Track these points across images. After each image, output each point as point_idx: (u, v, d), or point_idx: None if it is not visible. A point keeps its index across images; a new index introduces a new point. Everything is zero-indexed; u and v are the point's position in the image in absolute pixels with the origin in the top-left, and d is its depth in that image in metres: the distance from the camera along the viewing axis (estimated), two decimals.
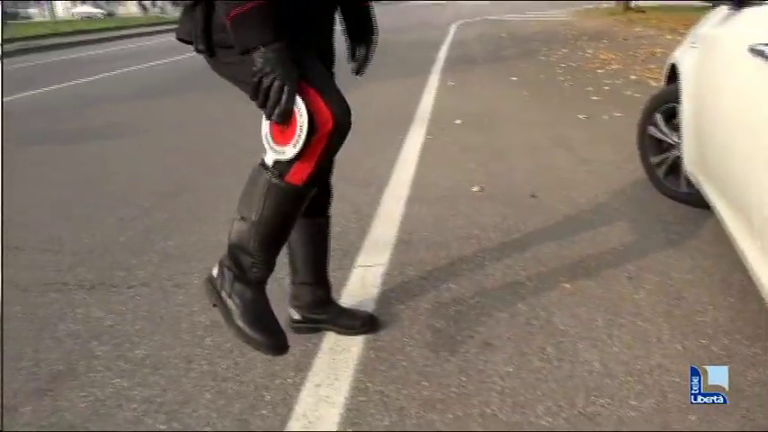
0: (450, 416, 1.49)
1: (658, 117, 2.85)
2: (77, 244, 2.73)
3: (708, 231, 2.45)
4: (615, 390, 1.55)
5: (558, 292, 2.06)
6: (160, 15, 31.11)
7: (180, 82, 8.00)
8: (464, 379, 1.62)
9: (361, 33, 1.69)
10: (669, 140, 2.80)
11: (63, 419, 1.56)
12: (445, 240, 2.52)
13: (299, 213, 1.49)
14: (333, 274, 1.92)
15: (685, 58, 2.55)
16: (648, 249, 2.33)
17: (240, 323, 1.45)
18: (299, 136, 1.33)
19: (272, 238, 1.46)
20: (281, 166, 1.39)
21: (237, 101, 1.78)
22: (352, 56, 1.71)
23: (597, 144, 3.87)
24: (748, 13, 1.99)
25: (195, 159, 4.13)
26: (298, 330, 1.86)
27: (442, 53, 9.58)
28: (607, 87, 5.87)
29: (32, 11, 45.48)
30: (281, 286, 2.05)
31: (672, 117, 2.77)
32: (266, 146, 1.40)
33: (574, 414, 1.47)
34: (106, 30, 22.64)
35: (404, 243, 2.51)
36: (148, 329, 1.96)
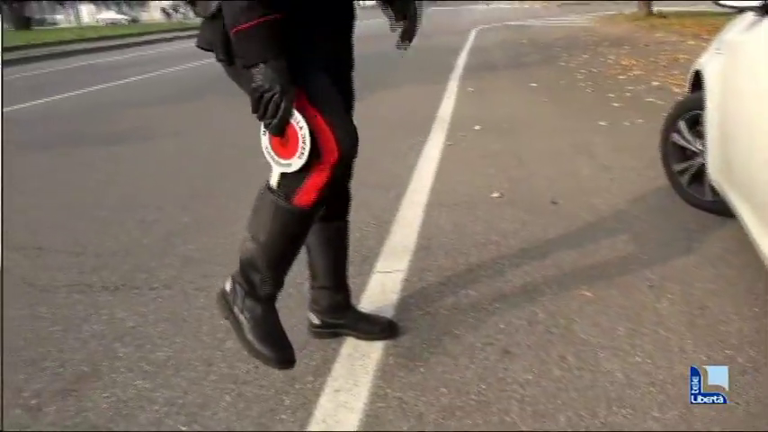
0: (470, 423, 1.49)
1: (682, 124, 2.82)
2: (100, 246, 2.77)
3: (732, 240, 2.41)
4: (637, 400, 1.53)
5: (579, 300, 2.04)
6: (183, 21, 31.55)
7: (201, 87, 8.10)
8: (483, 386, 1.62)
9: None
10: (693, 148, 2.77)
11: (86, 420, 1.58)
12: (464, 246, 2.51)
13: (307, 232, 1.53)
14: (352, 280, 1.93)
15: (710, 64, 2.52)
16: (671, 258, 2.30)
17: (250, 337, 1.51)
18: (303, 147, 1.36)
19: (280, 257, 1.51)
20: (288, 189, 1.43)
21: None
22: (396, 26, 1.71)
23: (619, 151, 3.84)
24: None
25: (216, 164, 4.18)
26: (317, 335, 1.87)
27: (462, 59, 9.58)
28: (629, 94, 5.82)
29: (59, 17, 46.39)
30: (300, 291, 2.06)
31: (696, 124, 2.73)
32: (270, 160, 1.43)
33: (595, 424, 1.46)
34: (130, 35, 23.02)
35: (423, 249, 2.51)
36: (170, 332, 1.99)
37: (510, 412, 1.51)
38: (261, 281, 1.52)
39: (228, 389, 1.67)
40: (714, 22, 10.40)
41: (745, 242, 2.02)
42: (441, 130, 4.76)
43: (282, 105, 1.32)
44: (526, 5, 34.93)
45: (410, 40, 1.76)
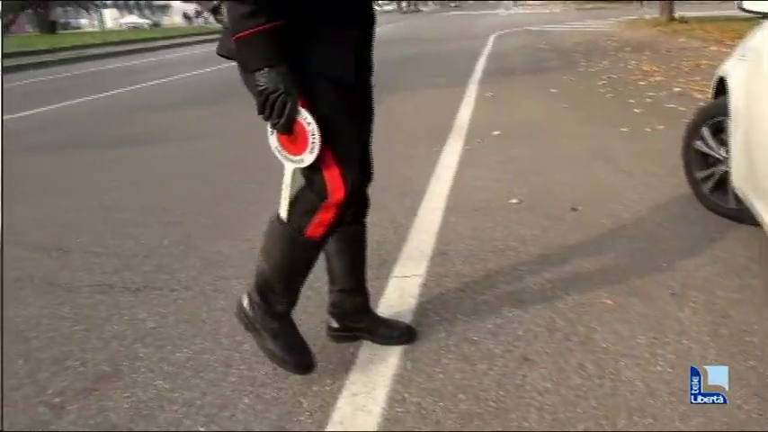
0: (488, 430, 1.48)
1: (705, 131, 2.78)
2: (122, 247, 2.81)
3: (756, 249, 2.37)
4: (659, 410, 1.51)
5: (599, 307, 2.02)
6: (204, 26, 31.91)
7: (222, 90, 8.17)
8: (502, 393, 1.61)
9: None
10: (716, 155, 2.73)
11: (107, 419, 1.60)
12: (483, 252, 2.50)
13: (318, 255, 1.62)
14: (370, 284, 1.93)
15: (734, 71, 2.48)
16: (693, 266, 2.27)
17: (271, 347, 1.64)
18: (313, 142, 1.42)
19: (292, 281, 1.63)
20: (298, 223, 1.52)
21: None
22: None
23: (640, 157, 3.80)
24: None
25: (236, 167, 4.21)
26: (335, 339, 1.87)
27: (481, 64, 9.56)
28: (650, 100, 5.76)
29: (83, 21, 47.20)
30: (318, 294, 2.07)
31: (719, 131, 2.70)
32: (281, 158, 1.49)
33: None
34: (152, 39, 23.34)
35: (441, 254, 2.50)
36: (190, 333, 2.00)
37: (529, 420, 1.50)
38: (276, 300, 1.63)
39: (247, 391, 1.68)
40: (737, 27, 10.27)
41: None
42: (459, 134, 4.75)
43: (288, 104, 1.38)
44: (546, 10, 34.80)
45: None
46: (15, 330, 2.09)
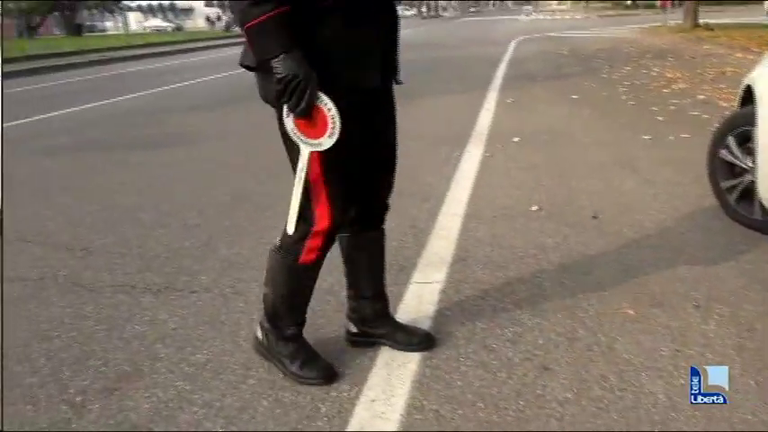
0: None
1: (731, 140, 2.74)
2: (144, 248, 2.84)
3: None
4: (682, 425, 1.48)
5: (621, 318, 1.99)
6: (225, 31, 32.24)
7: (245, 95, 8.22)
8: (522, 403, 1.59)
9: None
10: (742, 165, 2.69)
11: (128, 419, 1.61)
12: (502, 259, 2.49)
13: (317, 277, 1.69)
14: (389, 290, 1.93)
15: (762, 79, 2.44)
16: (718, 278, 2.23)
17: (293, 370, 1.71)
18: (334, 127, 1.44)
19: (295, 303, 1.71)
20: (293, 250, 1.60)
21: None
22: None
23: (663, 165, 3.75)
24: None
25: (256, 168, 4.24)
26: (354, 344, 1.87)
27: (501, 70, 9.53)
28: (673, 107, 5.69)
29: (108, 23, 47.95)
30: (337, 299, 2.07)
31: (745, 140, 2.65)
32: (298, 141, 1.49)
33: None
34: (175, 43, 23.62)
35: (460, 261, 2.49)
36: (210, 334, 2.02)
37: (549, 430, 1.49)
38: (284, 325, 1.72)
39: (266, 394, 1.68)
40: (764, 34, 10.11)
41: None
42: (479, 140, 4.73)
43: (308, 90, 1.39)
44: (567, 16, 34.61)
45: None
46: (38, 329, 2.12)
